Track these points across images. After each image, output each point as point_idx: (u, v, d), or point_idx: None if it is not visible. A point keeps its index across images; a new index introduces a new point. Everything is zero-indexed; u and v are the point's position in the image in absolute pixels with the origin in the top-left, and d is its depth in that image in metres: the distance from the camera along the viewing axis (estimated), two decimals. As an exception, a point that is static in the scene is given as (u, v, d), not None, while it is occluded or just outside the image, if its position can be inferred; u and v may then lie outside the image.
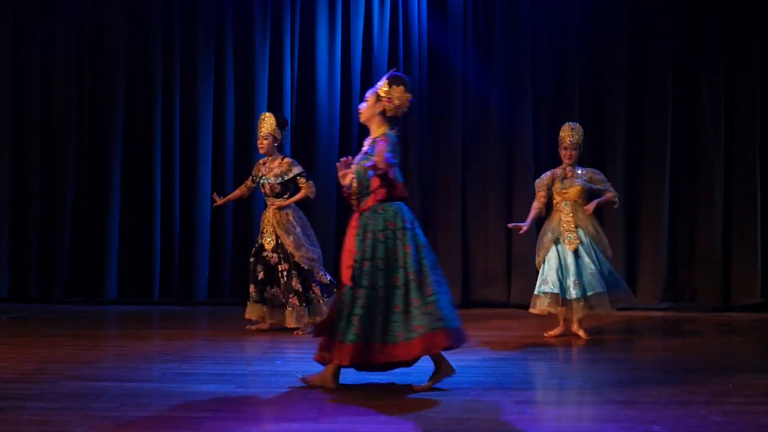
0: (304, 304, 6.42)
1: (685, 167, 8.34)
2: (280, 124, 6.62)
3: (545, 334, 6.42)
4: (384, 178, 4.50)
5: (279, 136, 6.61)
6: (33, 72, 8.21)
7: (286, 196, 6.57)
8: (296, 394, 4.42)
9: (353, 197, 4.65)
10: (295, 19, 8.38)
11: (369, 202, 4.56)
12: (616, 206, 6.63)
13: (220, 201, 6.91)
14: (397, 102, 4.63)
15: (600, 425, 3.86)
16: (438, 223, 8.39)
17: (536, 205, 6.52)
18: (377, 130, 4.67)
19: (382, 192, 4.54)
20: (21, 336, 6.25)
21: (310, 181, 6.58)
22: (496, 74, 8.38)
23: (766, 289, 8.21)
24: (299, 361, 5.36)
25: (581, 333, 6.35)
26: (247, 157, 8.19)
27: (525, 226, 6.44)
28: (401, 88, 4.63)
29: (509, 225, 6.80)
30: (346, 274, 4.49)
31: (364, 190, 4.59)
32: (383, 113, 4.66)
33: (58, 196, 8.16)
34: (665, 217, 8.25)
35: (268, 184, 6.56)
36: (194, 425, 3.80)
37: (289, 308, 6.43)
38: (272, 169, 6.57)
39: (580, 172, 6.51)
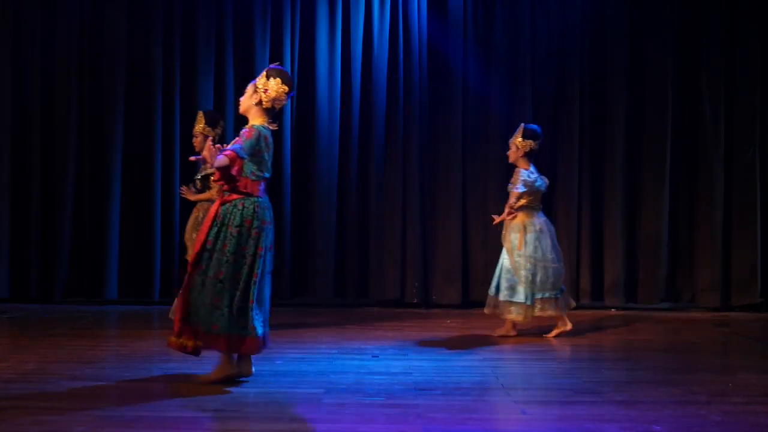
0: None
1: (685, 167, 8.34)
2: (210, 122, 6.64)
3: (545, 336, 6.43)
4: (223, 172, 4.52)
5: (210, 134, 6.62)
6: (33, 72, 8.19)
7: (206, 191, 6.58)
8: (296, 394, 4.42)
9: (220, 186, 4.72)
10: (295, 19, 8.37)
11: (232, 195, 4.61)
12: (512, 209, 6.39)
13: (187, 193, 6.80)
14: (273, 94, 4.68)
15: (600, 425, 3.86)
16: (438, 223, 8.39)
17: None
18: (252, 121, 4.72)
19: (226, 186, 4.59)
20: (21, 336, 6.25)
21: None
22: (496, 74, 8.37)
23: (766, 289, 8.21)
24: (300, 361, 5.36)
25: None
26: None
27: (497, 218, 6.56)
28: (278, 80, 4.69)
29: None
30: (193, 260, 4.60)
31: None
32: (259, 104, 4.70)
33: (58, 196, 8.16)
34: (665, 217, 8.25)
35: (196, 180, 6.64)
36: (194, 425, 3.80)
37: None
38: (207, 168, 6.63)
39: (517, 172, 6.47)
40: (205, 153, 4.40)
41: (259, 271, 4.58)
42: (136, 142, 8.25)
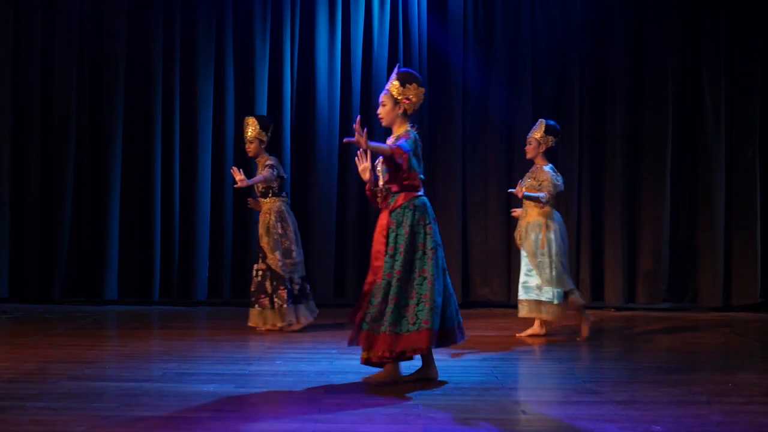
0: (270, 307, 6.48)
1: (685, 167, 8.35)
2: (264, 126, 6.63)
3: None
4: (397, 169, 4.55)
5: (265, 138, 6.64)
6: (33, 72, 8.20)
7: (270, 194, 6.57)
8: (296, 394, 4.42)
9: (378, 195, 4.74)
10: (295, 19, 8.37)
11: (399, 200, 4.65)
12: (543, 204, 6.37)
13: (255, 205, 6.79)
14: (414, 99, 4.73)
15: (600, 425, 3.86)
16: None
17: None
18: (399, 129, 4.75)
19: (395, 186, 4.61)
20: (21, 336, 6.25)
21: (269, 170, 6.51)
22: (496, 74, 8.38)
23: (766, 289, 8.21)
24: (300, 361, 5.37)
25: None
26: (246, 157, 8.18)
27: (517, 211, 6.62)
28: (414, 84, 4.72)
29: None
30: (377, 272, 4.61)
31: (391, 187, 4.67)
32: (404, 114, 4.73)
33: (57, 196, 8.16)
34: (666, 217, 8.25)
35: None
36: (194, 425, 3.80)
37: (258, 308, 6.49)
38: (259, 171, 6.62)
39: (542, 170, 6.42)
40: (394, 149, 4.45)
41: (442, 265, 4.67)
42: (135, 142, 8.26)
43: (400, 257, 4.57)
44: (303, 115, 8.37)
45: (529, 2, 8.38)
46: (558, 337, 6.42)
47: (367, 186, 4.85)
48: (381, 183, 4.74)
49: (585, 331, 6.36)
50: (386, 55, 8.33)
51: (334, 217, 8.31)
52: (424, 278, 4.58)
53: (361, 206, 8.36)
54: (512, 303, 8.18)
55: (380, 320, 4.54)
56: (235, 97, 8.35)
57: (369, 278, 4.66)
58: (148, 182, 8.19)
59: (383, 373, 4.68)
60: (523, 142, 8.25)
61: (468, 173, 8.41)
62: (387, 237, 4.63)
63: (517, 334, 6.50)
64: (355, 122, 4.43)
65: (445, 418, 3.97)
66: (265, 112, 8.14)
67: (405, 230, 4.60)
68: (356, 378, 4.82)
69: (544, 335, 6.42)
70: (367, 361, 4.68)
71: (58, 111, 8.24)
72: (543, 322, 6.43)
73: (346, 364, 5.26)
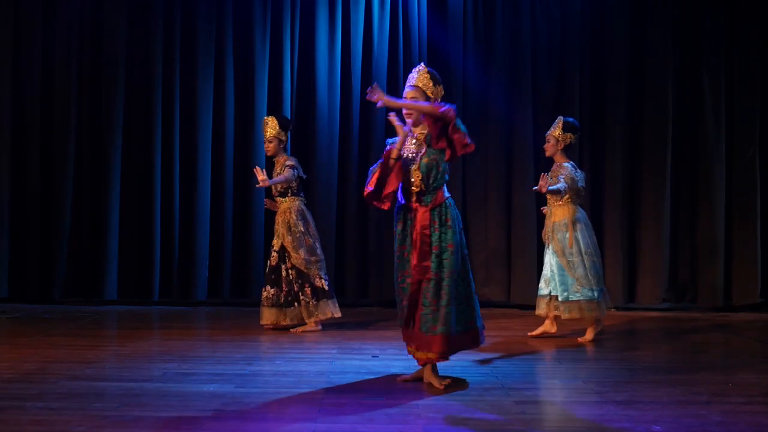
0: (299, 305, 6.51)
1: (685, 167, 8.34)
2: (284, 125, 6.65)
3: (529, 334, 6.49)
4: (443, 130, 4.52)
5: (284, 138, 6.66)
6: (33, 72, 8.20)
7: (289, 194, 6.58)
8: (296, 395, 4.42)
9: (414, 190, 4.67)
10: (295, 19, 8.37)
11: (437, 199, 4.65)
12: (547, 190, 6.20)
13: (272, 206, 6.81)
14: (440, 99, 4.79)
15: (600, 425, 3.86)
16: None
17: None
18: (425, 129, 4.74)
19: (448, 153, 4.58)
20: (21, 336, 6.25)
21: (290, 170, 6.53)
22: (496, 74, 8.38)
23: (766, 289, 8.21)
24: (299, 361, 5.37)
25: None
26: (246, 157, 8.19)
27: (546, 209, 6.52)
28: (441, 86, 4.80)
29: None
30: (425, 272, 4.58)
31: (432, 180, 4.64)
32: (431, 110, 4.72)
33: (57, 197, 8.16)
34: (666, 217, 8.25)
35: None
36: (194, 425, 3.80)
37: (296, 306, 6.55)
38: (277, 170, 6.63)
39: (562, 167, 6.37)
40: (441, 108, 4.50)
41: (467, 266, 4.74)
42: (135, 141, 8.26)
43: (449, 256, 4.57)
44: (303, 115, 8.37)
45: (529, 2, 8.38)
46: (558, 338, 6.41)
47: (393, 150, 4.69)
48: (416, 179, 4.65)
49: (590, 334, 6.33)
50: (386, 55, 8.33)
51: (334, 217, 8.30)
52: (464, 278, 4.65)
53: (361, 206, 8.36)
54: (512, 303, 8.22)
55: (435, 321, 4.54)
56: (235, 97, 8.35)
57: (414, 278, 4.60)
58: (148, 182, 8.19)
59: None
60: (523, 141, 8.32)
61: (468, 173, 8.40)
62: (431, 236, 4.61)
63: (529, 333, 6.46)
64: (370, 90, 4.63)
65: (446, 418, 3.97)
66: (265, 113, 8.13)
67: (450, 228, 4.61)
68: (356, 378, 4.82)
69: (554, 334, 6.39)
70: (428, 362, 4.68)
71: (58, 111, 8.23)
72: (554, 320, 6.40)
73: (346, 364, 5.26)
